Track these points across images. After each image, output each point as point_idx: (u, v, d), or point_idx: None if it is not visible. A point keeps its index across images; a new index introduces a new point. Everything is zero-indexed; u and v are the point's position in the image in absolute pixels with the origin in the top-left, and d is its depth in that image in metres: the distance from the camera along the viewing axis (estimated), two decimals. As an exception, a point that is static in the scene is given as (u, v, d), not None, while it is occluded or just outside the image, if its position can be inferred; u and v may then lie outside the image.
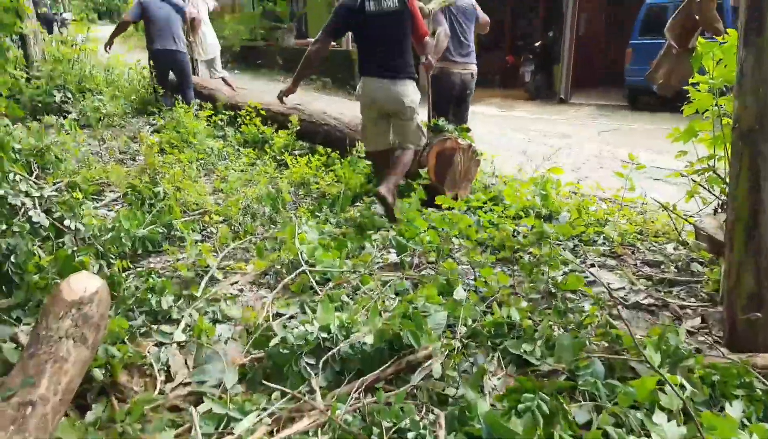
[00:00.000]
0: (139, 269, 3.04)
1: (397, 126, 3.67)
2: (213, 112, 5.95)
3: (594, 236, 3.54)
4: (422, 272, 2.88)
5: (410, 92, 3.54)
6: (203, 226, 3.68)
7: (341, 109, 5.74)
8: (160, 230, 3.43)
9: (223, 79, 8.05)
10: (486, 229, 3.51)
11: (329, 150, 4.77)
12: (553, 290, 2.74)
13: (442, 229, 3.18)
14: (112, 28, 7.52)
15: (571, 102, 10.76)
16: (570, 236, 3.28)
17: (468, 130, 4.28)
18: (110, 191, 4.44)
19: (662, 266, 3.19)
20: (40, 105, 6.88)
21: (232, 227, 3.57)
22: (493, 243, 3.33)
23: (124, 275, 2.98)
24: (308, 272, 2.71)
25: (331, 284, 2.71)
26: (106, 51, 7.05)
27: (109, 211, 4.07)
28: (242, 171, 4.82)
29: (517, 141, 6.86)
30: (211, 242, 3.45)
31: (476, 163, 4.23)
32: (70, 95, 7.09)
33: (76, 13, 24.27)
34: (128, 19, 6.53)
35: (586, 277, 3.01)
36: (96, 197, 4.26)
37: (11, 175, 2.74)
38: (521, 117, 9.04)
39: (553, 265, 2.78)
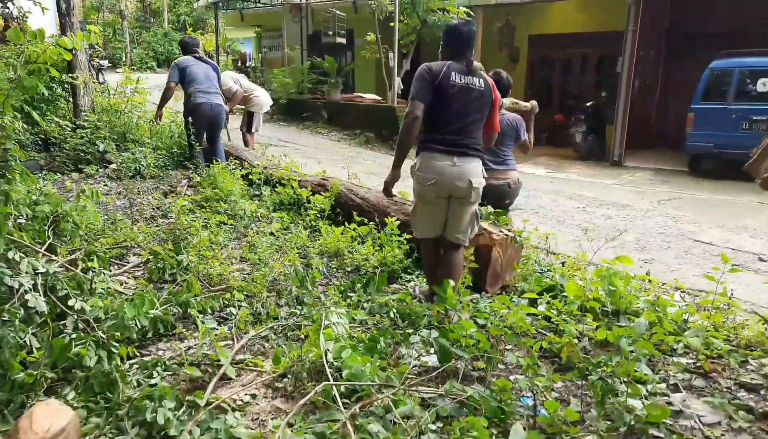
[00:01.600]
0: (145, 359, 2.69)
1: (456, 211, 3.17)
2: (249, 170, 5.74)
3: (672, 343, 2.99)
4: (468, 389, 2.40)
5: (480, 172, 3.15)
6: (224, 303, 3.32)
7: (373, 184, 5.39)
8: (175, 310, 3.09)
9: (252, 135, 8.06)
10: (543, 327, 3.03)
11: (365, 220, 4.40)
12: (632, 422, 2.21)
13: (490, 329, 2.70)
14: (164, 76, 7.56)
15: (625, 165, 10.19)
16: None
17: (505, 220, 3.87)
18: (134, 255, 4.18)
19: (763, 392, 2.60)
20: (82, 154, 6.87)
21: (255, 308, 3.19)
22: (554, 349, 2.83)
23: (127, 365, 2.63)
24: (332, 383, 2.28)
25: (358, 403, 2.26)
26: (157, 123, 7.08)
27: (128, 278, 3.79)
28: (273, 236, 4.50)
29: (571, 210, 6.35)
30: (230, 324, 3.08)
31: (518, 250, 3.76)
32: (113, 146, 7.08)
33: (137, 61, 25.65)
34: (172, 85, 6.44)
35: (670, 403, 2.47)
36: (118, 261, 4.00)
37: (11, 253, 2.46)
38: (572, 180, 8.53)
39: (632, 390, 2.26)
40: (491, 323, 2.92)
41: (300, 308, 3.30)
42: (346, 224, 4.51)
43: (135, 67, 25.12)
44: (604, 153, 10.85)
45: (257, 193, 5.54)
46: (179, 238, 4.19)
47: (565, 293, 3.30)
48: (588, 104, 11.48)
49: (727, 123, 8.70)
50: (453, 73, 3.05)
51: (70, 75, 7.33)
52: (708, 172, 9.18)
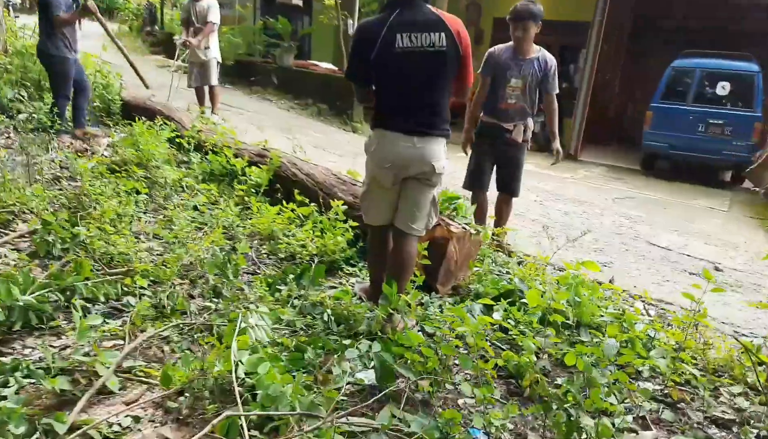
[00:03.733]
0: (3, 359, 2.10)
1: (412, 196, 2.63)
2: (178, 134, 5.06)
3: (638, 365, 2.66)
4: (409, 417, 1.96)
5: (442, 154, 2.60)
6: (123, 290, 2.74)
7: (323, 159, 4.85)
8: (54, 298, 2.49)
9: (211, 89, 7.25)
10: (498, 339, 2.63)
11: (307, 200, 3.87)
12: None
13: (440, 346, 2.27)
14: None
15: (581, 159, 10.05)
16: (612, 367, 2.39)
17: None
18: (24, 222, 3.50)
19: (736, 429, 2.31)
20: (-11, 102, 5.95)
21: (159, 299, 2.63)
22: (510, 368, 2.45)
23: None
24: (239, 412, 1.78)
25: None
26: None
27: (11, 250, 3.13)
28: (197, 211, 3.91)
29: (528, 202, 6.03)
30: (126, 318, 2.51)
31: (477, 245, 3.36)
32: (24, 94, 6.18)
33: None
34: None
35: (639, 441, 2.12)
36: (1, 230, 3.32)
37: None
38: (529, 171, 8.17)
39: (603, 431, 1.88)
40: (440, 334, 2.49)
41: (216, 301, 2.76)
42: (284, 203, 3.97)
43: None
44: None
45: (185, 159, 4.89)
46: (83, 206, 3.54)
47: (524, 300, 2.92)
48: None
49: (684, 124, 8.62)
50: (397, 35, 2.40)
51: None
52: (660, 172, 9.13)
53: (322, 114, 9.83)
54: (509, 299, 2.97)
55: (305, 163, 4.37)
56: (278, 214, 3.76)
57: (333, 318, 2.60)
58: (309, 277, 2.95)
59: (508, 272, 3.35)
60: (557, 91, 4.01)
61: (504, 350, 2.66)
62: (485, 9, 12.35)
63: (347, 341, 2.38)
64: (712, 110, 8.54)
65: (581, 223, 5.57)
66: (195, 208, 3.95)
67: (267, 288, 2.90)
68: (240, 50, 11.32)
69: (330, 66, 11.41)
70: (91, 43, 8.51)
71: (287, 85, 10.61)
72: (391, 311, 2.50)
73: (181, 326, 2.43)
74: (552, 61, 3.91)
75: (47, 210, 3.56)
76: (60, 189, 4.06)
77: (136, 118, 5.33)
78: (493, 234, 3.76)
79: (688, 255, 5.01)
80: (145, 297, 2.68)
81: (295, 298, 2.86)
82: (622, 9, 10.64)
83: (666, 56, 9.45)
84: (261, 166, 4.38)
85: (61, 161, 4.71)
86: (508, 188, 4.17)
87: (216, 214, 3.75)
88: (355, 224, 3.48)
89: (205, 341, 2.34)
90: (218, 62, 7.18)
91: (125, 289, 2.74)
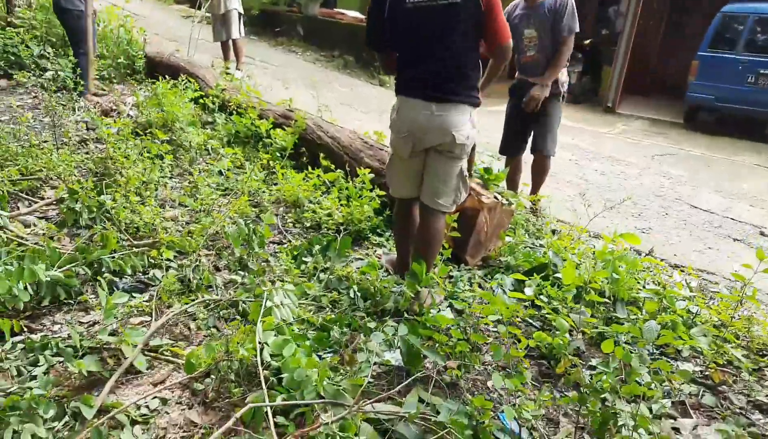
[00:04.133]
0: (33, 336, 2.12)
1: (435, 168, 2.44)
2: (202, 93, 4.96)
3: (678, 345, 2.54)
4: (436, 400, 1.91)
5: (464, 124, 2.34)
6: (149, 262, 2.73)
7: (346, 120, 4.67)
8: (81, 271, 2.48)
9: (234, 43, 7.04)
10: (530, 316, 2.55)
11: (332, 165, 3.77)
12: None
13: (470, 335, 2.20)
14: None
15: (619, 112, 9.59)
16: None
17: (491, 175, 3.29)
18: (52, 188, 3.50)
19: (782, 415, 2.20)
20: (13, 57, 5.93)
21: (185, 272, 2.61)
22: (542, 349, 2.36)
23: (9, 344, 2.07)
24: (265, 404, 1.75)
25: (296, 429, 1.75)
26: None
27: (39, 219, 3.14)
28: (222, 175, 3.85)
29: (564, 162, 5.79)
30: (153, 292, 2.50)
31: (509, 214, 3.22)
32: (50, 50, 6.12)
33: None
34: None
35: (678, 430, 2.04)
36: (29, 197, 3.33)
37: None
38: (565, 125, 7.86)
39: (640, 422, 1.80)
40: (469, 312, 2.41)
41: (243, 274, 2.73)
42: (309, 167, 3.88)
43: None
44: (598, 97, 10.19)
45: (210, 120, 4.80)
46: (109, 172, 3.51)
47: (558, 274, 2.80)
48: (586, 42, 10.65)
49: (732, 74, 8.08)
50: None
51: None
52: (704, 125, 8.66)
53: (349, 66, 9.55)
54: (542, 273, 2.86)
55: (331, 126, 4.23)
56: (304, 180, 3.67)
57: (359, 294, 2.54)
58: (335, 249, 2.89)
59: (541, 245, 3.21)
60: (575, 30, 3.60)
61: (536, 328, 2.57)
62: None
63: (373, 324, 2.32)
64: (763, 60, 7.96)
65: (619, 184, 5.33)
66: (220, 173, 3.89)
67: (293, 260, 2.84)
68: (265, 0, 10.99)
69: (357, 14, 10.99)
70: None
71: (313, 36, 10.30)
72: (419, 289, 2.42)
73: (207, 302, 2.40)
74: (567, 7, 3.56)
75: (74, 176, 3.55)
76: (87, 153, 4.04)
77: (159, 77, 5.24)
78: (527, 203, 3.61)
79: (733, 219, 4.76)
80: (171, 270, 2.66)
81: (321, 270, 2.80)
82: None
83: (715, 2, 8.77)
84: (286, 128, 4.27)
85: (87, 123, 4.67)
86: (538, 147, 3.92)
87: (241, 180, 3.69)
88: (382, 192, 3.37)
89: (230, 320, 2.32)
90: (240, 14, 6.89)
91: (152, 261, 2.73)
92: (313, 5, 10.47)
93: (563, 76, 3.75)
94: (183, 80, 5.05)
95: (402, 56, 2.41)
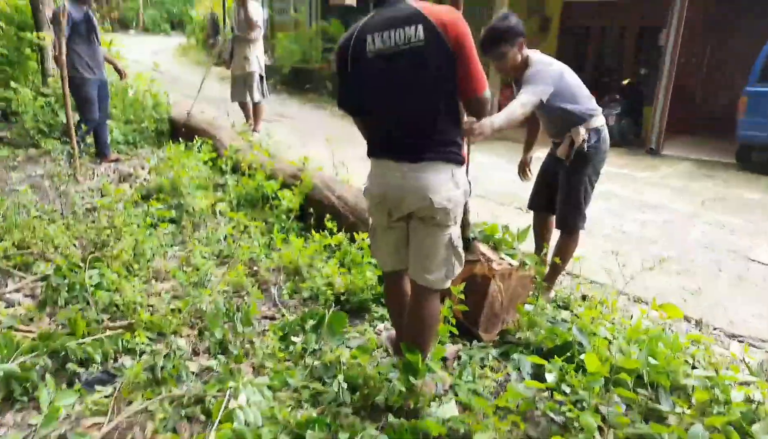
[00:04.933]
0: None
1: (419, 239, 2.10)
2: (216, 154, 4.87)
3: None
4: None
5: (443, 184, 1.99)
6: (125, 347, 2.49)
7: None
8: (40, 364, 2.27)
9: (254, 106, 7.03)
10: (551, 409, 2.14)
11: (335, 227, 3.51)
12: None
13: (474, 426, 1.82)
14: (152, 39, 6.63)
15: (664, 154, 9.03)
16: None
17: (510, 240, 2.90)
18: (47, 261, 3.37)
19: None
20: (43, 126, 6.09)
21: (154, 360, 2.35)
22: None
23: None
24: None
25: None
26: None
27: (26, 296, 3.00)
28: (221, 243, 3.64)
29: (600, 212, 5.34)
30: (118, 385, 2.25)
31: (527, 282, 2.83)
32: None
33: (150, 23, 24.67)
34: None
35: None
36: (21, 273, 3.20)
37: None
38: (603, 171, 7.44)
39: None
40: (478, 407, 2.03)
41: (223, 358, 2.46)
42: (312, 231, 3.64)
43: (148, 30, 24.36)
44: (640, 138, 9.67)
45: (221, 182, 4.68)
46: (103, 243, 3.37)
47: (584, 355, 2.38)
48: (624, 82, 10.24)
49: (787, 110, 7.48)
50: (368, 37, 1.96)
51: (37, 33, 6.52)
52: (759, 166, 7.98)
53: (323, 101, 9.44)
54: (566, 353, 2.45)
55: (340, 184, 4.01)
56: (305, 245, 3.42)
57: (346, 385, 2.20)
58: (325, 329, 2.58)
59: (564, 320, 2.78)
60: (525, 98, 2.75)
61: (558, 425, 2.16)
62: (552, -6, 11.49)
63: (359, 423, 1.98)
64: (822, 92, 7.33)
65: (663, 236, 4.83)
66: (221, 239, 3.69)
67: (280, 342, 2.55)
68: (296, 57, 11.20)
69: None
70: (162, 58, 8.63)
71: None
72: (414, 382, 2.07)
73: (170, 398, 2.13)
74: (527, 72, 2.89)
75: (74, 247, 3.43)
76: (93, 221, 3.95)
77: (179, 139, 5.23)
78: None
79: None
80: (145, 355, 2.42)
81: (311, 353, 2.49)
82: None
83: (760, 32, 8.25)
84: (294, 187, 4.07)
85: (101, 190, 4.64)
86: (556, 218, 3.30)
87: (241, 248, 3.47)
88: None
89: (195, 420, 2.02)
90: (261, 76, 6.87)
91: (127, 345, 2.49)
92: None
93: (579, 133, 3.04)
94: (197, 142, 5.00)
95: (371, 114, 2.14)
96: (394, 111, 2.02)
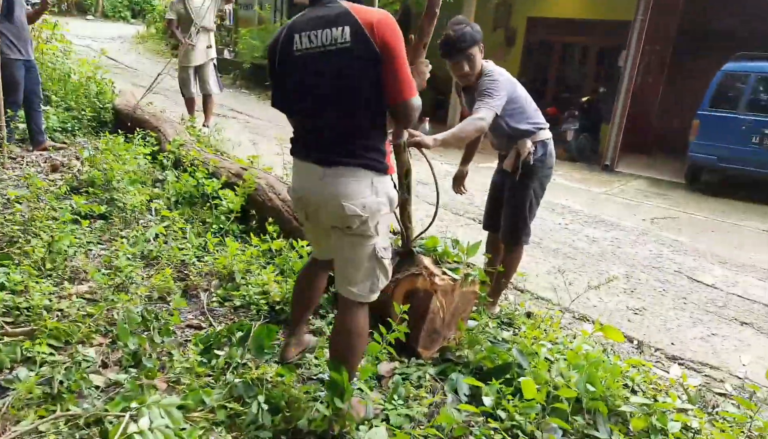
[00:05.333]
0: None
1: (340, 249, 1.99)
2: (156, 149, 4.60)
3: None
4: None
5: (360, 192, 1.86)
6: (24, 357, 2.24)
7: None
8: None
9: (208, 98, 6.76)
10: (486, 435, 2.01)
11: (277, 231, 3.32)
12: None
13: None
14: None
15: (618, 170, 9.20)
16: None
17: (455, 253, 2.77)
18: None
19: None
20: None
21: (54, 372, 2.11)
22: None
23: None
24: None
25: None
26: None
27: None
28: (151, 242, 3.40)
29: (552, 226, 5.33)
30: (8, 400, 2.00)
31: (470, 298, 2.71)
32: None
33: (110, 9, 23.74)
34: None
35: None
36: None
37: None
38: (558, 184, 7.45)
39: None
40: (407, 431, 1.89)
41: (134, 371, 2.23)
42: (252, 235, 3.44)
43: (108, 16, 23.44)
44: (596, 155, 9.83)
45: (161, 178, 4.41)
46: (20, 239, 3.08)
47: (523, 378, 2.27)
48: (584, 99, 10.41)
49: (735, 134, 7.70)
50: (295, 36, 1.86)
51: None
52: (708, 186, 8.21)
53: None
54: (505, 375, 2.33)
55: (286, 186, 3.82)
56: (242, 250, 3.21)
57: (267, 406, 2.02)
58: (256, 340, 2.39)
59: (505, 340, 2.67)
60: (484, 112, 2.69)
61: (491, 451, 2.03)
62: (516, 7, 11.59)
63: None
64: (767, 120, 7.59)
65: (612, 253, 4.83)
66: (151, 239, 3.44)
67: (199, 356, 2.34)
68: (257, 53, 10.92)
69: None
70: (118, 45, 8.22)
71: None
72: (339, 405, 1.91)
73: (66, 417, 1.89)
74: (483, 82, 2.80)
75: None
76: (11, 215, 3.63)
77: (121, 130, 4.93)
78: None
79: (740, 296, 4.23)
80: (45, 367, 2.17)
81: (235, 367, 2.30)
82: (668, 7, 9.73)
83: (715, 59, 8.52)
84: (237, 187, 3.86)
85: (26, 179, 4.29)
86: (501, 232, 3.16)
87: (171, 248, 3.24)
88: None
89: (89, 442, 1.80)
90: (215, 65, 6.64)
91: (26, 354, 2.24)
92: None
93: (525, 146, 2.94)
94: (138, 134, 4.71)
95: (295, 112, 2.01)
96: (315, 113, 1.90)
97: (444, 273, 2.56)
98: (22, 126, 5.47)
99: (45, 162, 4.89)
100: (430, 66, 2.13)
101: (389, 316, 2.37)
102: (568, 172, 8.45)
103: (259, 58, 10.89)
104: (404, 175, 2.48)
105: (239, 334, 2.49)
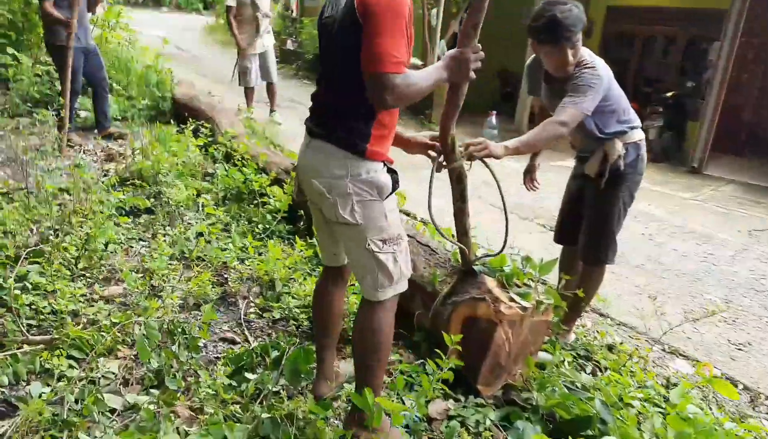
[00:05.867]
0: None
1: (336, 236, 1.88)
2: (211, 138, 4.43)
3: None
4: None
5: (327, 170, 1.66)
6: (42, 368, 2.05)
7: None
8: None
9: (269, 86, 6.60)
10: None
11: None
12: None
13: None
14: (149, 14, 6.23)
15: (707, 173, 8.32)
16: None
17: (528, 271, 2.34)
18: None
19: None
20: (38, 96, 5.74)
21: (64, 394, 1.89)
22: None
23: None
24: None
25: None
26: None
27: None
28: (190, 241, 3.18)
29: (635, 236, 4.74)
30: (18, 418, 1.80)
31: (543, 328, 2.29)
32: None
33: (183, 1, 24.46)
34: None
35: None
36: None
37: None
38: (640, 188, 6.80)
39: None
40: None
41: (157, 393, 1.99)
42: (297, 238, 3.16)
43: (181, 8, 24.14)
44: (681, 155, 8.95)
45: (212, 172, 4.23)
46: (42, 237, 2.93)
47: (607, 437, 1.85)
48: (669, 94, 9.52)
49: None
50: (326, 4, 1.75)
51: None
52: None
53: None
54: (585, 432, 1.91)
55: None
56: (284, 254, 2.94)
57: (296, 451, 1.72)
58: (290, 365, 2.09)
59: (584, 387, 2.21)
60: (569, 113, 2.27)
61: None
62: (596, -4, 10.78)
63: None
64: None
65: (707, 272, 4.21)
66: (199, 235, 3.23)
67: (228, 379, 2.07)
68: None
69: (415, 60, 10.49)
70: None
71: (365, 81, 9.85)
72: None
73: (72, 448, 1.67)
74: (577, 76, 2.34)
75: (30, 232, 3.01)
76: (59, 205, 3.53)
77: (174, 120, 4.80)
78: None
79: None
80: (62, 382, 1.97)
81: (266, 395, 2.01)
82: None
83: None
84: (285, 185, 3.59)
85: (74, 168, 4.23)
86: (580, 247, 2.69)
87: (212, 249, 3.01)
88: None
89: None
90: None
91: (44, 365, 2.05)
92: (368, 50, 10.05)
93: (614, 148, 2.47)
94: (191, 125, 4.55)
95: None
96: (320, 83, 1.79)
97: (511, 299, 2.16)
98: (83, 113, 5.50)
99: (102, 151, 4.85)
100: (481, 54, 1.72)
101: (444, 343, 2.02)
102: (650, 174, 7.63)
103: (322, 48, 10.71)
104: (455, 179, 2.10)
105: (275, 354, 2.21)
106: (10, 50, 5.78)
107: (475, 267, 2.29)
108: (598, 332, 2.86)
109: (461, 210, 2.20)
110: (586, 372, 2.42)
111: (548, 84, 2.59)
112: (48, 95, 5.72)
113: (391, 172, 1.72)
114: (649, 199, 6.07)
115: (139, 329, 2.12)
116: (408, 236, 2.79)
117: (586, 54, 2.43)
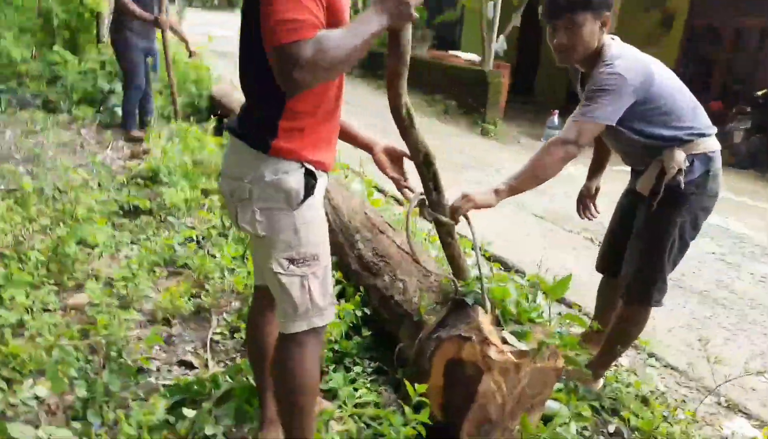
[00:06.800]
0: None
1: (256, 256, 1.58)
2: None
3: None
4: None
5: (233, 170, 1.38)
6: (-28, 385, 1.85)
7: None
8: None
9: None
10: None
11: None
12: None
13: None
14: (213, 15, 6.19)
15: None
16: None
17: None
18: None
19: None
20: (80, 92, 5.82)
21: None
22: None
23: None
24: None
25: None
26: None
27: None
28: (180, 246, 2.96)
29: (703, 257, 4.04)
30: None
31: (551, 376, 1.80)
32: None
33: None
34: None
35: None
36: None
37: None
38: (721, 198, 5.97)
39: None
40: None
41: (79, 427, 1.73)
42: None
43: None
44: (772, 161, 7.90)
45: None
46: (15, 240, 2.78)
47: None
48: (759, 93, 8.43)
49: None
50: None
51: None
52: None
53: (450, 112, 8.48)
54: None
55: (342, 190, 3.17)
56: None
57: None
58: (236, 403, 1.77)
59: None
60: (574, 128, 1.84)
61: None
62: (677, -16, 9.79)
63: None
64: None
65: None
66: (191, 240, 3.00)
67: (169, 410, 1.78)
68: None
69: (473, 56, 9.99)
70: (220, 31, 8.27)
71: (418, 78, 9.43)
72: None
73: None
74: (597, 73, 1.86)
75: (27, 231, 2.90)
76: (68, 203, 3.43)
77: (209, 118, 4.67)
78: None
79: None
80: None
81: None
82: None
83: None
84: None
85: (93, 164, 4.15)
86: (621, 280, 2.14)
87: (199, 256, 2.75)
88: (357, 300, 2.23)
89: None
90: None
91: (-27, 383, 1.85)
92: (422, 46, 9.67)
93: (674, 159, 1.90)
94: (212, 122, 4.39)
95: None
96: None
97: (504, 341, 1.72)
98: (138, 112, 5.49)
99: (125, 149, 4.80)
100: None
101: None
102: (733, 183, 6.76)
103: (376, 44, 10.44)
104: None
105: (225, 387, 1.90)
106: (55, 48, 5.92)
107: (465, 298, 1.86)
108: (635, 376, 2.34)
109: (449, 245, 1.87)
110: (606, 432, 1.93)
111: (583, 88, 2.09)
112: (89, 93, 5.80)
113: (309, 174, 1.35)
114: (727, 212, 5.27)
115: (56, 352, 1.86)
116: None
117: (612, 48, 1.91)
